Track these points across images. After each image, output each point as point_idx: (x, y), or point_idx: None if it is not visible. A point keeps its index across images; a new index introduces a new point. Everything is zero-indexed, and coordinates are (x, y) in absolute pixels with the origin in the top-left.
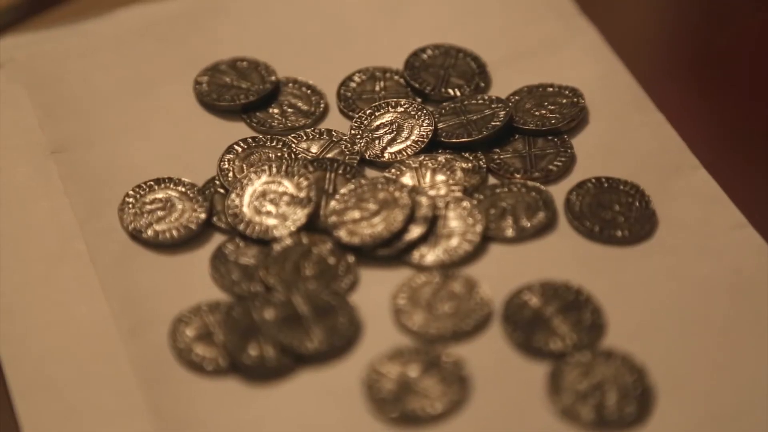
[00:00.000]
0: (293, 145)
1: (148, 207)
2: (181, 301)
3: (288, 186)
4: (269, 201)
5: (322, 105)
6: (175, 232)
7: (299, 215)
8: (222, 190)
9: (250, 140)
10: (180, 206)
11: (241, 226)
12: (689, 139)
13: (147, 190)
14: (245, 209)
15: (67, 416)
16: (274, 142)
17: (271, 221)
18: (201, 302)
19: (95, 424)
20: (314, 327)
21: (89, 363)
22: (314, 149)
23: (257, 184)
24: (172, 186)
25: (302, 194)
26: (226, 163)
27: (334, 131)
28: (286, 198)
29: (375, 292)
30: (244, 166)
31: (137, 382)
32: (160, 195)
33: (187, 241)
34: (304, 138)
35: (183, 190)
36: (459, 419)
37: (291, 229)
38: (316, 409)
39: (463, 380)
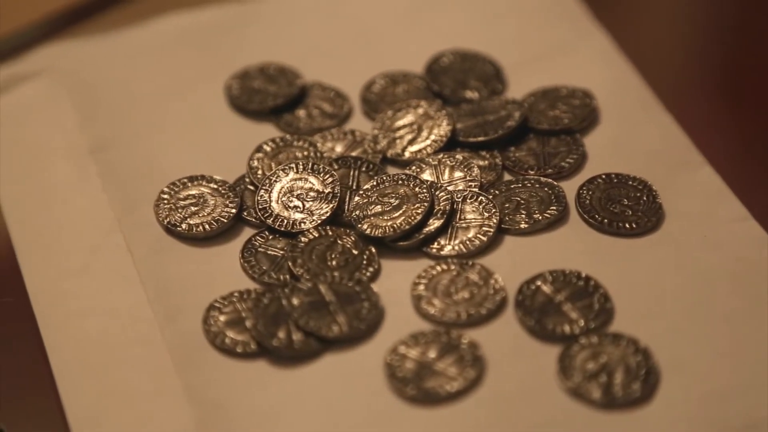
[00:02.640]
0: (319, 145)
1: (182, 203)
2: (213, 289)
3: (314, 182)
4: (296, 197)
5: (346, 107)
6: (207, 226)
7: (324, 210)
8: (252, 187)
9: (279, 140)
10: (212, 202)
11: (270, 220)
12: (712, 150)
13: (181, 186)
14: (274, 204)
15: (107, 397)
16: (301, 141)
17: (298, 215)
18: (233, 290)
19: (134, 404)
20: (339, 313)
21: (127, 347)
22: (339, 149)
23: (285, 180)
24: (204, 183)
25: (327, 190)
26: (255, 161)
27: (358, 131)
28: (312, 194)
29: (396, 280)
30: (273, 164)
31: (173, 364)
32: (193, 191)
33: (219, 234)
34: (330, 138)
35: (215, 186)
36: (474, 397)
37: (317, 223)
38: (340, 388)
39: (478, 361)
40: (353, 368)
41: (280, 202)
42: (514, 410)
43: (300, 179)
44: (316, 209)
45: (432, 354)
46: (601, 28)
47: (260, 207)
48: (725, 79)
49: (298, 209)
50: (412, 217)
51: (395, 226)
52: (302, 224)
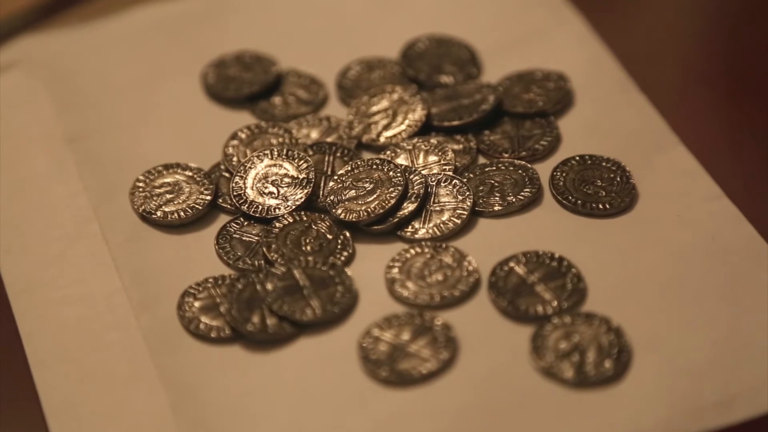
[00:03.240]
0: (294, 131)
1: (158, 190)
2: (188, 276)
3: (289, 168)
4: (271, 183)
5: (321, 94)
6: (182, 213)
7: (299, 195)
8: (227, 174)
9: (254, 127)
10: (187, 189)
11: (245, 207)
12: (686, 130)
13: (156, 174)
14: (249, 191)
15: (81, 384)
16: (276, 128)
17: (272, 201)
18: (207, 277)
19: (109, 391)
20: (313, 297)
21: (103, 334)
22: (314, 135)
23: (260, 167)
24: (179, 171)
25: (302, 176)
26: (230, 148)
27: (333, 117)
28: (287, 180)
29: (370, 264)
30: (248, 151)
31: (148, 350)
32: (168, 179)
33: (194, 221)
34: (305, 124)
35: (190, 174)
36: (448, 378)
37: (291, 208)
38: (314, 372)
39: (451, 342)
40: (327, 352)
41: (254, 188)
42: (488, 390)
43: (275, 165)
44: (291, 195)
45: (405, 336)
46: (577, 12)
47: (235, 194)
48: (702, 62)
49: (273, 195)
50: (386, 201)
51: (369, 210)
52: (277, 210)
